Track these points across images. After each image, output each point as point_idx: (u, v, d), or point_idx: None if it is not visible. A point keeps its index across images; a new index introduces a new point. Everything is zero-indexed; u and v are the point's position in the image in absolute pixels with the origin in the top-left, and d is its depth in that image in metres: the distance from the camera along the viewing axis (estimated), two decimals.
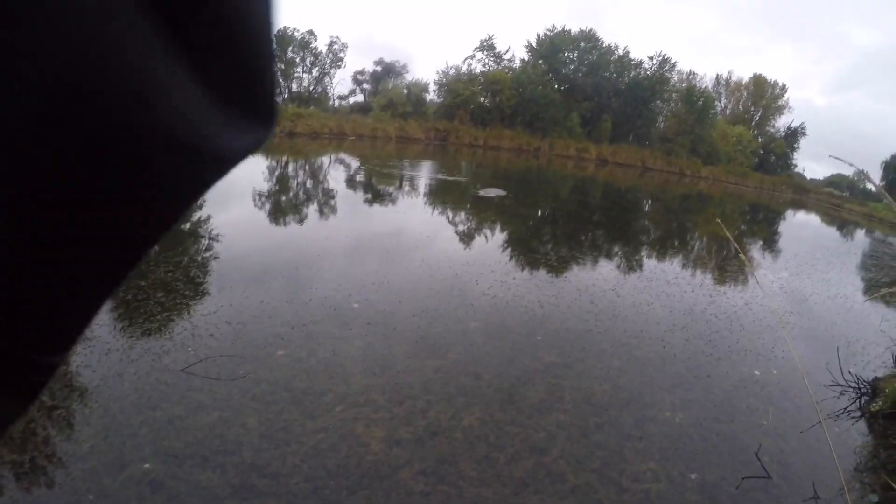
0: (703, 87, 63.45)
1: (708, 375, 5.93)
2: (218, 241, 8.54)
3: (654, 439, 4.51)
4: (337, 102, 53.90)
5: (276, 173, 18.99)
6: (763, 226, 25.58)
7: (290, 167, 21.54)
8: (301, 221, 11.26)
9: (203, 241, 8.59)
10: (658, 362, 6.06)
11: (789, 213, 37.56)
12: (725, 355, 6.61)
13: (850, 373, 6.17)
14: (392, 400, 4.42)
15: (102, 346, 4.76)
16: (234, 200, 12.33)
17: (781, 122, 69.01)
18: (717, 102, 66.10)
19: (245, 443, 3.65)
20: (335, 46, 51.12)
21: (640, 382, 5.50)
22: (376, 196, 15.79)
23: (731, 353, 6.72)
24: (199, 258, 7.71)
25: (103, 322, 5.24)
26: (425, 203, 15.32)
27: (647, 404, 5.05)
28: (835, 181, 77.70)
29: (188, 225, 9.67)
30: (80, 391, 4.06)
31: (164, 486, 3.20)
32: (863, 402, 5.84)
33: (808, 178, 74.42)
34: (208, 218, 10.10)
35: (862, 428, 5.40)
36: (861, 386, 6.02)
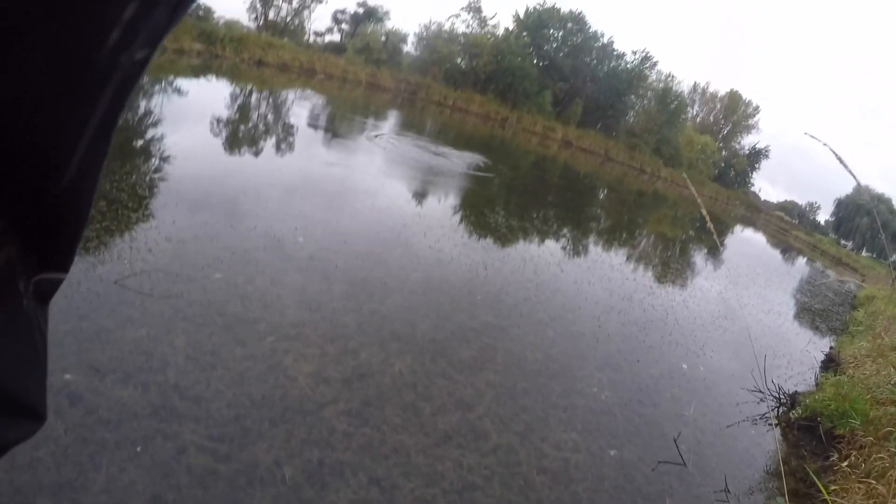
0: (680, 91, 63.72)
1: (638, 360, 6.07)
2: (169, 161, 8.26)
3: (579, 412, 4.60)
4: (312, 38, 52.27)
5: (238, 101, 18.47)
6: (711, 236, 26.17)
7: (254, 97, 20.96)
8: (257, 153, 10.98)
9: (154, 159, 8.31)
10: (591, 339, 6.18)
11: (738, 227, 38.49)
12: (657, 344, 6.77)
13: (773, 382, 6.41)
14: (325, 337, 4.39)
15: None
16: (192, 122, 11.95)
17: (748, 141, 70.14)
18: (689, 108, 66.69)
19: (171, 363, 3.58)
20: None
21: (572, 356, 5.60)
22: (335, 141, 15.51)
23: (663, 343, 6.90)
24: (148, 174, 7.46)
25: None
26: (382, 153, 15.10)
27: (576, 378, 5.15)
28: (787, 206, 79.86)
29: (140, 141, 9.34)
30: None
31: (82, 399, 3.11)
32: (781, 411, 6.08)
33: (762, 198, 76.26)
34: (162, 136, 9.76)
35: (777, 435, 5.64)
36: (782, 396, 6.26)
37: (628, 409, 4.92)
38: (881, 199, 65.20)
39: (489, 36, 52.57)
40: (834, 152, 2.14)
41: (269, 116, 16.75)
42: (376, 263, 6.25)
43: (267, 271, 5.20)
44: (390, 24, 52.49)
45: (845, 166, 2.10)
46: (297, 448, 3.25)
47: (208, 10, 44.23)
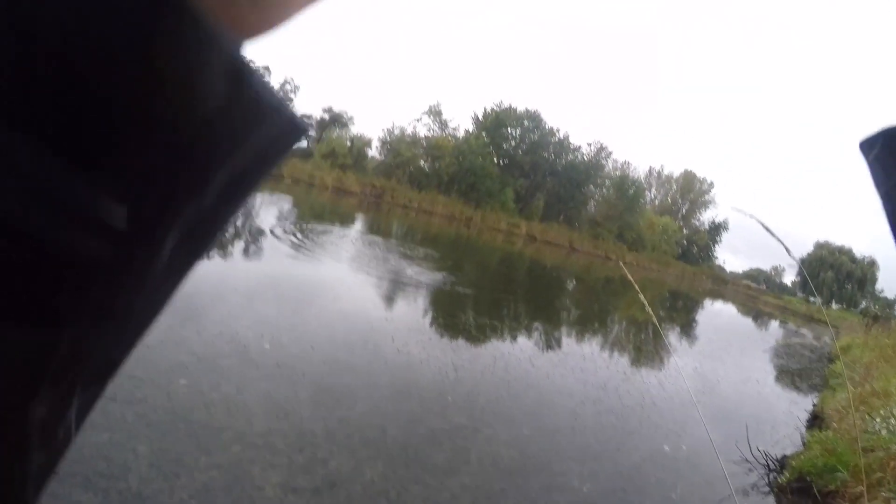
0: (636, 176, 66.14)
1: (617, 448, 5.99)
2: None
3: None
4: None
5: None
6: (682, 313, 26.50)
7: None
8: (224, 257, 10.95)
9: None
10: (568, 433, 6.09)
11: (708, 301, 39.13)
12: (636, 429, 6.71)
13: (758, 450, 6.38)
14: (292, 446, 4.26)
15: None
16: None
17: (706, 216, 72.71)
18: (647, 192, 69.07)
19: (133, 469, 3.43)
20: (287, 86, 50.41)
21: (549, 451, 5.50)
22: (301, 245, 15.58)
23: (642, 427, 6.84)
24: None
25: None
26: (346, 258, 15.19)
27: (555, 472, 5.04)
28: (752, 274, 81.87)
29: None
30: None
31: None
32: (771, 477, 6.04)
33: (728, 269, 78.28)
34: None
35: (772, 502, 5.60)
36: (770, 462, 6.24)
37: (613, 500, 4.81)
38: (842, 251, 67.57)
39: (450, 138, 54.26)
40: (763, 225, 2.18)
41: (237, 221, 16.79)
42: (343, 369, 6.15)
43: (233, 379, 5.09)
44: (355, 130, 54.06)
45: (776, 238, 2.14)
46: None
47: None
